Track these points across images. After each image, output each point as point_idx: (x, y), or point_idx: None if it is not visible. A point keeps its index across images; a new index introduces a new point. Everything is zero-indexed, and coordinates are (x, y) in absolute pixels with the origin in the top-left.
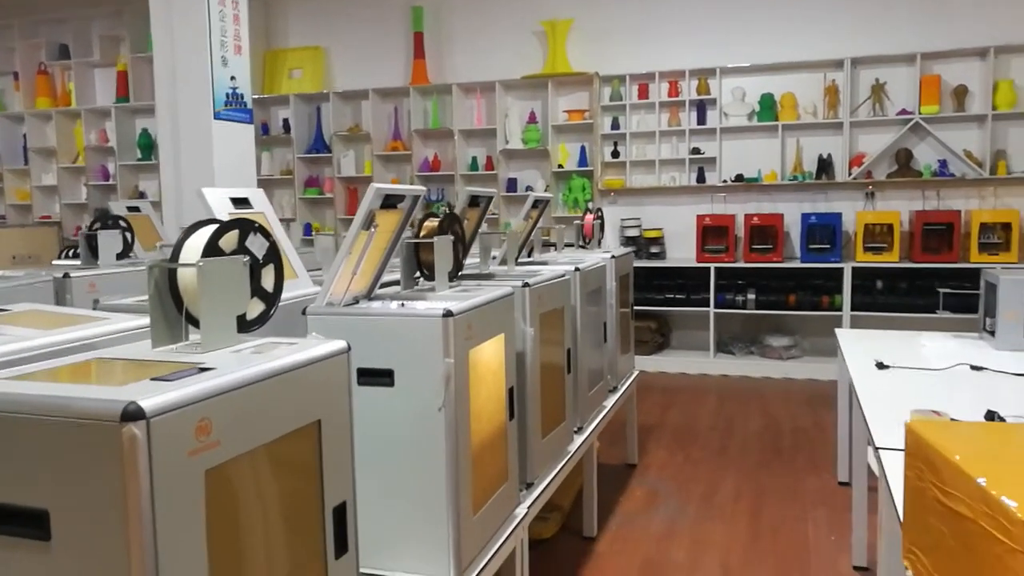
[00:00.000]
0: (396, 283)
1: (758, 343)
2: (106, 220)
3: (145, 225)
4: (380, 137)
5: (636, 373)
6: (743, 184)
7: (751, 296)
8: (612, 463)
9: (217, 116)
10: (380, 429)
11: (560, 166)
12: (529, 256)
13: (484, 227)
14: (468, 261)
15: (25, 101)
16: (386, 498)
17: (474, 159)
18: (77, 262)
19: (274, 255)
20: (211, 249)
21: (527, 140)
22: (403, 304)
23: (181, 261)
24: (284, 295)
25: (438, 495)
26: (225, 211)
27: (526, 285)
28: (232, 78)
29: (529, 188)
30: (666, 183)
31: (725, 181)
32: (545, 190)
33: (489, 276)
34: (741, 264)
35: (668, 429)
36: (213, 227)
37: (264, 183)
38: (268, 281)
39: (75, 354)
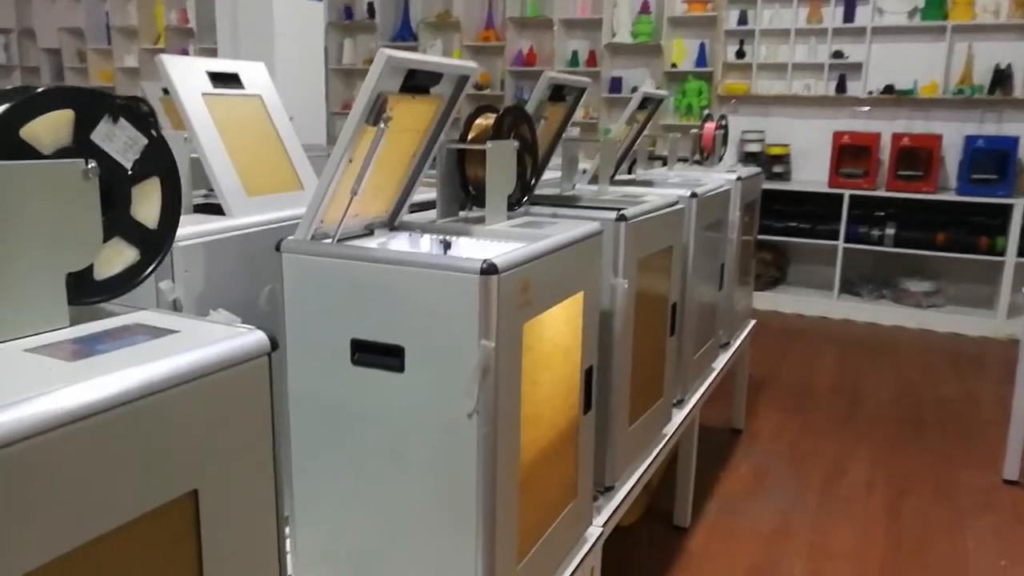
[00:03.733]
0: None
1: (892, 286)
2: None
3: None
4: (471, 26)
5: (753, 323)
6: (893, 97)
7: (890, 231)
8: (712, 425)
9: None
10: (379, 436)
11: (674, 65)
12: (630, 173)
13: (572, 132)
14: (546, 176)
15: None
16: (383, 544)
17: (575, 54)
18: None
19: (162, 160)
20: (6, 145)
21: (637, 34)
22: (446, 243)
23: None
24: (277, 215)
25: (465, 541)
26: (197, 91)
27: (622, 218)
28: None
29: (636, 90)
30: (799, 91)
31: (871, 92)
32: None
33: (572, 201)
34: (882, 192)
35: (781, 386)
36: (13, 102)
37: (344, 73)
38: (148, 209)
39: None
